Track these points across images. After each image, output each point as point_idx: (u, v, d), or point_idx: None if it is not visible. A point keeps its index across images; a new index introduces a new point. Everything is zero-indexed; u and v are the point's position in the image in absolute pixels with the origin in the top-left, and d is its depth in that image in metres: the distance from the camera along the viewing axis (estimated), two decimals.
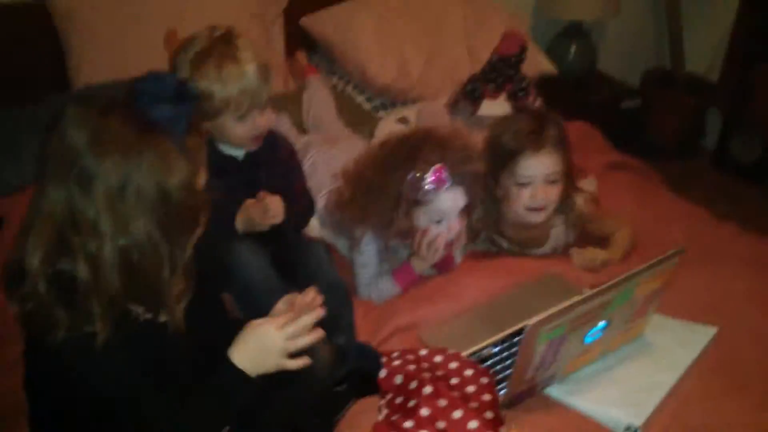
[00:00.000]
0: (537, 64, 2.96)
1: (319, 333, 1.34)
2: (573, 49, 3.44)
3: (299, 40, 2.86)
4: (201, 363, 1.34)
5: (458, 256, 2.02)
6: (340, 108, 2.60)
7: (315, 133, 2.48)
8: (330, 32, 2.77)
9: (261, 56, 1.75)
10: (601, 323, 1.52)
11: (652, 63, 3.86)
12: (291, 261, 1.83)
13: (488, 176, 1.94)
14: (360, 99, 2.75)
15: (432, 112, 2.59)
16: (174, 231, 1.20)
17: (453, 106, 2.63)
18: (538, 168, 1.90)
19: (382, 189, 1.78)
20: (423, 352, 1.64)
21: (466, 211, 1.89)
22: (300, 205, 1.96)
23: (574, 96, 3.39)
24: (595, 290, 1.44)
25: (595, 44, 3.55)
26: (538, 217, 1.98)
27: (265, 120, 1.77)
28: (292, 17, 2.82)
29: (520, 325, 1.62)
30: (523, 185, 1.92)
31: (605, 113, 3.40)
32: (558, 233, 2.06)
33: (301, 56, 2.79)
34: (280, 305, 1.41)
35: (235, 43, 1.72)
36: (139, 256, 1.16)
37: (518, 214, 1.98)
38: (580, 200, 2.03)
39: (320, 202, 2.08)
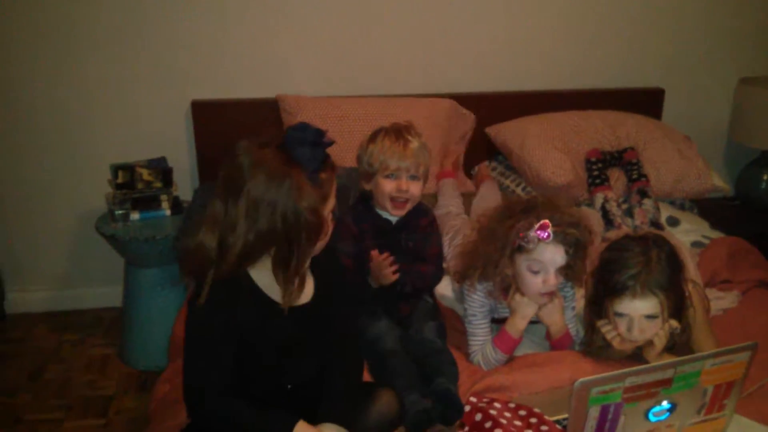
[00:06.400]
0: (707, 181, 3.10)
1: None
2: (765, 177, 3.45)
3: (484, 146, 3.29)
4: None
5: (577, 341, 2.17)
6: None
7: None
8: (509, 140, 3.13)
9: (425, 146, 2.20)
10: (666, 403, 1.63)
11: None
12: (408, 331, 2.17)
13: (594, 294, 2.03)
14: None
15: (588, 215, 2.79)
16: (298, 240, 1.57)
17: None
18: (634, 309, 1.92)
19: (494, 233, 2.01)
20: (512, 404, 1.85)
21: (564, 272, 2.01)
22: (429, 267, 2.26)
23: (761, 223, 3.37)
24: (649, 365, 1.57)
25: None
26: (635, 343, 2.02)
27: (408, 186, 2.16)
28: (479, 126, 3.28)
29: None
30: (621, 316, 1.95)
31: None
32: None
33: (484, 166, 3.27)
34: None
35: (408, 128, 2.20)
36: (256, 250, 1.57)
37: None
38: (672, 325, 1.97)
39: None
